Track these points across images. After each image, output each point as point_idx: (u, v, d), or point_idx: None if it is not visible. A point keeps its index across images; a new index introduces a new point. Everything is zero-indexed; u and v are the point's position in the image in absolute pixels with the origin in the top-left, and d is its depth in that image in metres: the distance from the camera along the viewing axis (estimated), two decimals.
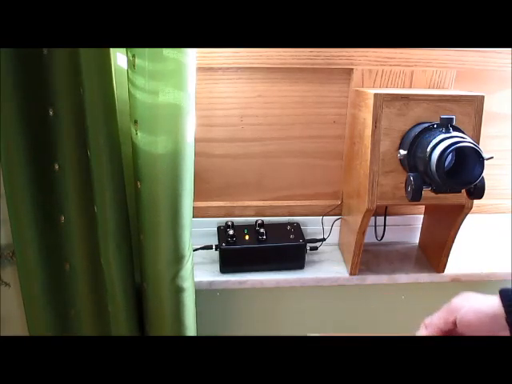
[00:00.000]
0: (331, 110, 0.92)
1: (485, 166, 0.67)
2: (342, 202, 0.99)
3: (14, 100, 0.68)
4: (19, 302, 0.86)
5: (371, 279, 0.92)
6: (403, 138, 0.76)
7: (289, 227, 0.95)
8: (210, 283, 0.90)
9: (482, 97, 0.75)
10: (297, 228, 0.95)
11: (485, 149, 0.67)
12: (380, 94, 0.74)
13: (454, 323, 0.59)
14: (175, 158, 0.70)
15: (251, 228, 0.94)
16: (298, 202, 1.00)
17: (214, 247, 0.92)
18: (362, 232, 0.85)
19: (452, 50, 0.87)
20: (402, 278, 0.93)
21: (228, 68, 0.87)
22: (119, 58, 0.70)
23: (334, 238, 1.00)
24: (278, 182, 0.98)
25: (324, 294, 1.02)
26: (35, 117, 0.72)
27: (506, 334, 0.54)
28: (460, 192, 0.72)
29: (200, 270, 0.92)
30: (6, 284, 0.93)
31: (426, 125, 0.73)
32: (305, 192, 1.00)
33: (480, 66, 0.89)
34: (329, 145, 0.95)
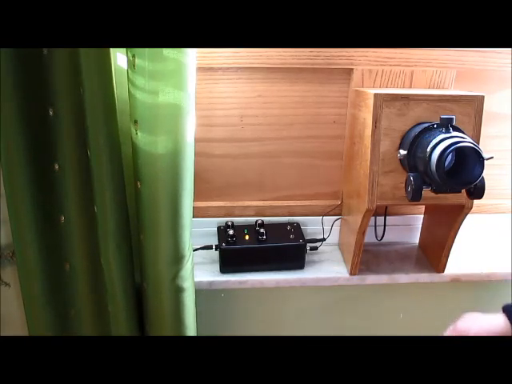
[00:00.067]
0: (331, 109, 0.92)
1: (485, 166, 0.67)
2: (341, 202, 0.99)
3: (14, 100, 0.68)
4: (19, 301, 0.86)
5: (371, 279, 0.92)
6: (403, 138, 0.76)
7: (289, 227, 0.95)
8: (210, 283, 0.90)
9: (482, 97, 0.75)
10: (297, 228, 0.95)
11: (485, 149, 0.67)
12: (380, 94, 0.74)
13: None
14: (175, 157, 0.70)
15: (251, 228, 0.94)
16: (298, 202, 1.00)
17: (214, 247, 0.92)
18: (361, 232, 0.85)
19: (452, 50, 0.87)
20: (402, 278, 0.93)
21: (228, 68, 0.87)
22: (119, 57, 0.70)
23: (333, 237, 1.00)
24: (278, 182, 0.98)
25: (324, 293, 1.02)
26: (35, 117, 0.72)
27: None
28: (460, 192, 0.72)
29: (200, 269, 0.92)
30: (6, 284, 0.93)
31: (426, 125, 0.73)
32: (305, 192, 1.00)
33: (480, 66, 0.89)
34: (329, 145, 0.95)
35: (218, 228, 0.96)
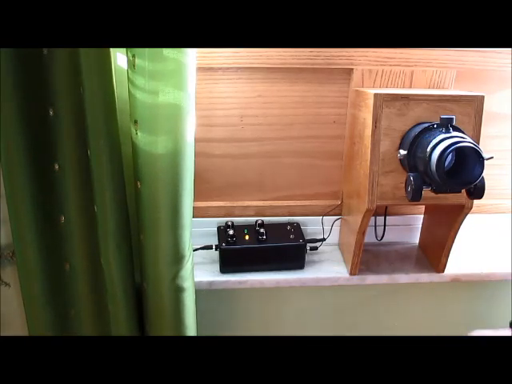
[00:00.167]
0: (331, 109, 0.92)
1: (485, 166, 0.67)
2: (341, 202, 0.99)
3: (14, 100, 0.68)
4: (19, 301, 0.86)
5: (371, 279, 0.92)
6: (403, 138, 0.76)
7: (289, 227, 0.95)
8: (210, 283, 0.90)
9: (482, 97, 0.75)
10: (297, 228, 0.95)
11: (485, 149, 0.67)
12: (380, 94, 0.74)
13: None
14: (175, 157, 0.70)
15: (251, 228, 0.94)
16: (298, 202, 1.00)
17: (214, 247, 0.92)
18: (361, 232, 0.85)
19: (452, 50, 0.87)
20: (402, 278, 0.93)
21: (228, 68, 0.87)
22: (119, 57, 0.70)
23: (334, 237, 1.00)
24: (278, 182, 0.98)
25: (324, 294, 1.02)
26: (35, 117, 0.72)
27: None
28: (460, 192, 0.72)
29: (200, 269, 0.92)
30: (6, 284, 0.93)
31: (426, 125, 0.73)
32: (305, 192, 1.00)
33: (480, 66, 0.89)
34: (329, 145, 0.95)
35: (218, 228, 0.96)
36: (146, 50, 0.64)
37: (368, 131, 0.77)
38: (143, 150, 0.69)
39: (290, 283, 0.92)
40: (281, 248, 0.91)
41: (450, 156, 0.66)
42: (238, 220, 0.97)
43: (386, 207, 0.97)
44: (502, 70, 0.90)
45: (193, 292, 0.82)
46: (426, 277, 0.93)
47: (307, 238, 0.95)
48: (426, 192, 0.71)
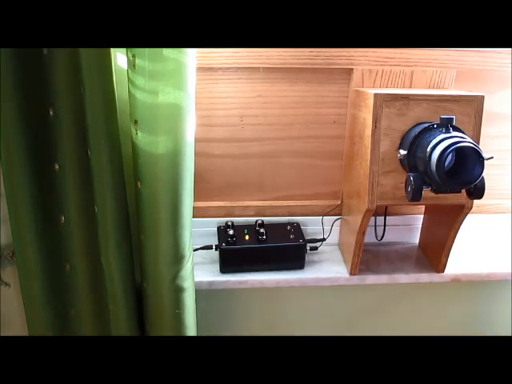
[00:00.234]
0: (331, 109, 0.92)
1: (485, 166, 0.67)
2: (341, 202, 0.99)
3: (14, 100, 0.68)
4: (19, 301, 0.86)
5: (371, 279, 0.92)
6: (403, 138, 0.76)
7: (289, 227, 0.95)
8: (210, 283, 0.90)
9: (482, 97, 0.75)
10: (297, 228, 0.95)
11: (485, 149, 0.67)
12: (380, 94, 0.74)
13: None
14: (175, 157, 0.70)
15: (251, 228, 0.94)
16: (298, 202, 1.00)
17: (214, 247, 0.92)
18: (361, 232, 0.85)
19: (452, 50, 0.87)
20: (402, 278, 0.93)
21: (228, 68, 0.87)
22: (119, 57, 0.70)
23: (334, 237, 1.00)
24: (278, 182, 0.98)
25: (324, 294, 1.02)
26: (35, 117, 0.72)
27: None
28: (460, 192, 0.72)
29: (200, 269, 0.92)
30: (6, 284, 0.93)
31: (426, 125, 0.73)
32: (305, 192, 1.00)
33: (480, 66, 0.89)
34: (329, 145, 0.95)
35: (218, 228, 0.96)
36: (146, 49, 0.64)
37: (368, 131, 0.77)
38: (143, 149, 0.69)
39: (290, 283, 0.92)
40: (281, 248, 0.91)
41: (450, 156, 0.66)
42: (237, 220, 0.97)
43: (386, 207, 0.98)
44: (501, 70, 0.90)
45: (193, 292, 0.82)
46: (426, 277, 0.93)
47: (307, 238, 0.95)
48: (426, 192, 0.71)
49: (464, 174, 0.68)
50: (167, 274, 0.77)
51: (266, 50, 0.85)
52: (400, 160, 0.76)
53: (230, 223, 0.94)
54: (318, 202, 1.00)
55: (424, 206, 0.98)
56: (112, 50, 0.67)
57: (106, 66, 0.66)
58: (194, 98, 0.70)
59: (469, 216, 0.82)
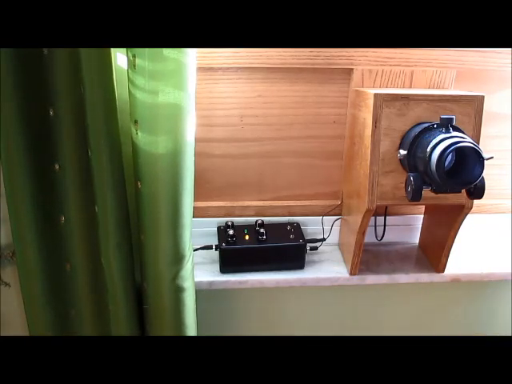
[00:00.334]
0: (331, 109, 0.92)
1: (485, 166, 0.67)
2: (341, 202, 0.99)
3: (14, 100, 0.68)
4: (19, 301, 0.86)
5: (371, 279, 0.92)
6: (403, 138, 0.76)
7: (289, 227, 0.95)
8: (210, 283, 0.90)
9: (482, 97, 0.75)
10: (297, 228, 0.95)
11: (485, 149, 0.67)
12: (380, 94, 0.74)
13: None
14: (175, 157, 0.70)
15: (251, 228, 0.94)
16: (298, 202, 1.00)
17: (214, 247, 0.92)
18: (361, 232, 0.85)
19: (452, 50, 0.87)
20: (402, 277, 0.93)
21: (228, 68, 0.87)
22: (119, 57, 0.70)
23: (334, 237, 1.00)
24: (278, 182, 0.98)
25: (324, 294, 1.02)
26: (35, 117, 0.72)
27: None
28: (460, 192, 0.72)
29: (200, 269, 0.92)
30: (6, 284, 0.93)
31: (426, 125, 0.73)
32: (305, 192, 1.00)
33: (480, 66, 0.89)
34: (329, 145, 0.95)
35: (218, 228, 0.96)
36: (146, 49, 0.64)
37: (368, 131, 0.77)
38: (143, 149, 0.69)
39: (290, 283, 0.92)
40: (281, 248, 0.91)
41: (450, 156, 0.66)
42: (238, 220, 0.97)
43: (386, 207, 0.98)
44: (502, 70, 0.90)
45: (193, 292, 0.82)
46: (425, 277, 0.93)
47: (307, 238, 0.95)
48: (426, 192, 0.71)
49: (464, 173, 0.68)
50: (167, 274, 0.77)
51: (265, 49, 0.85)
52: (400, 160, 0.76)
53: (229, 223, 0.94)
54: (318, 202, 1.00)
55: (424, 206, 0.98)
56: (112, 49, 0.67)
57: (106, 65, 0.66)
58: (194, 98, 0.70)
59: (469, 216, 0.82)
